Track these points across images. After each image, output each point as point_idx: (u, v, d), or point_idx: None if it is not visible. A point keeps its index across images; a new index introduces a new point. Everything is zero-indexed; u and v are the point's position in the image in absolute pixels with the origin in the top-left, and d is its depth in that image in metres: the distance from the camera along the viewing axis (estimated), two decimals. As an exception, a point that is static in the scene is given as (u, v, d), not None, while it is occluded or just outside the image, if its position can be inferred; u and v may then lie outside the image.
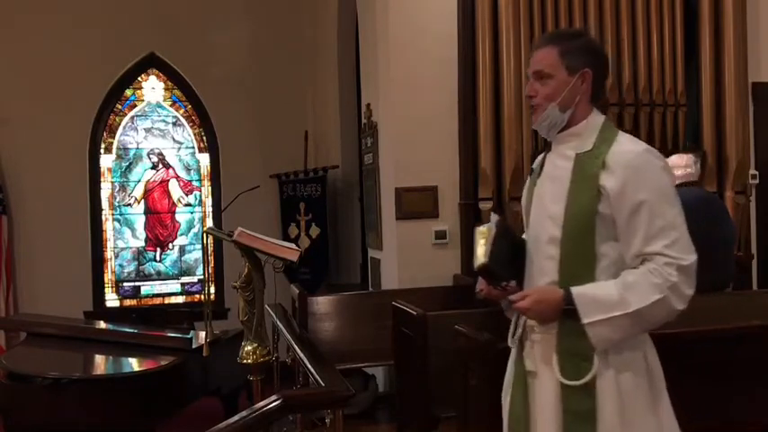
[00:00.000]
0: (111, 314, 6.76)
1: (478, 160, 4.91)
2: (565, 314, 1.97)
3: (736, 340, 3.13)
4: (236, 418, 2.19)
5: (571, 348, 1.99)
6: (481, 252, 2.05)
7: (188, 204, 7.33)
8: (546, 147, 2.23)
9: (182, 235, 7.30)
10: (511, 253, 2.11)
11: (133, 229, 7.19)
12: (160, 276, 7.26)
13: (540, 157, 2.25)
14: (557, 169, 2.10)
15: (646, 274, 1.91)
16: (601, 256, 1.99)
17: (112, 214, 7.12)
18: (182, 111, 7.29)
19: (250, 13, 7.17)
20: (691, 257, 1.92)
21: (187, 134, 7.31)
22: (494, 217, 2.14)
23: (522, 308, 2.02)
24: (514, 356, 2.20)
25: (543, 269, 2.06)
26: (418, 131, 4.97)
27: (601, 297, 1.94)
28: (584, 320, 1.93)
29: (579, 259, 2.00)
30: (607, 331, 1.93)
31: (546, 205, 2.09)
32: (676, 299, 1.90)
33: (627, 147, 2.01)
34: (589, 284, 1.97)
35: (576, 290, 1.96)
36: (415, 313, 3.64)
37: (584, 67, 2.06)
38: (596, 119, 2.09)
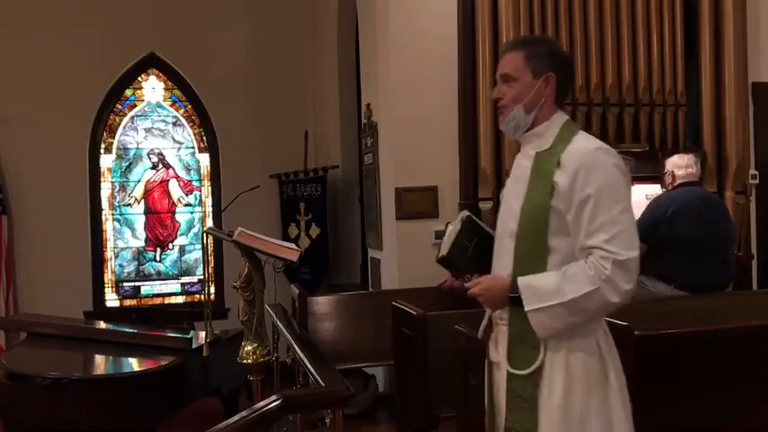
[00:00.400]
0: (111, 314, 6.76)
1: (478, 160, 4.90)
2: (516, 303, 2.06)
3: (736, 340, 3.13)
4: (236, 418, 2.18)
5: (520, 336, 2.09)
6: (444, 245, 2.20)
7: (188, 204, 7.33)
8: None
9: (182, 235, 7.30)
10: (477, 248, 2.24)
11: (133, 229, 7.19)
12: (160, 276, 7.26)
13: None
14: (520, 169, 2.20)
15: (583, 267, 1.99)
16: (553, 249, 2.06)
17: (112, 214, 7.12)
18: (182, 111, 7.29)
19: (250, 13, 7.17)
20: (629, 253, 1.97)
21: (187, 134, 7.30)
22: (463, 213, 2.28)
23: (473, 294, 2.14)
24: (487, 347, 2.31)
25: (503, 263, 2.16)
26: (418, 131, 4.97)
27: (540, 286, 2.03)
28: (526, 308, 2.02)
29: (532, 253, 2.08)
30: (546, 319, 2.01)
31: (510, 204, 2.19)
32: (610, 292, 1.96)
33: (580, 145, 2.08)
34: (535, 275, 2.05)
35: (521, 279, 2.06)
36: (415, 313, 3.63)
37: (549, 71, 2.15)
38: (558, 119, 2.17)
